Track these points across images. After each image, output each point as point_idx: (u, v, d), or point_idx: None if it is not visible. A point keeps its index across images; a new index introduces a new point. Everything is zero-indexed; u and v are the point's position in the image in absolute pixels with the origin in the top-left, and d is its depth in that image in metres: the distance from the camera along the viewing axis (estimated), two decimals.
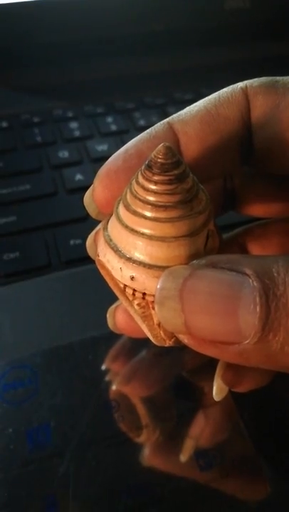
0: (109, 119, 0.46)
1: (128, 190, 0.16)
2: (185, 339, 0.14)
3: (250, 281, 0.13)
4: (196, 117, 0.18)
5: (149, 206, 0.15)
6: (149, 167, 0.15)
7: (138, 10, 0.51)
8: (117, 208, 0.17)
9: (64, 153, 0.42)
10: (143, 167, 0.16)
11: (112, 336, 0.27)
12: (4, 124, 0.45)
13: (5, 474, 0.22)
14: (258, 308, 0.12)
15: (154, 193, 0.15)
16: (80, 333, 0.27)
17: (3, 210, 0.36)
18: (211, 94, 0.19)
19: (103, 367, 0.26)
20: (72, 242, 0.33)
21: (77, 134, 0.44)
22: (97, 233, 0.19)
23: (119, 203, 0.17)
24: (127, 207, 0.16)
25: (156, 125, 0.19)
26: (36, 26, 0.49)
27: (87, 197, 0.19)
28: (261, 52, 0.56)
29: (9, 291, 0.30)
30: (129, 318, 0.21)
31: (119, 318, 0.23)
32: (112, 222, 0.17)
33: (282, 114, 0.18)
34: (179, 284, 0.14)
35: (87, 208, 0.19)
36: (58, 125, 0.45)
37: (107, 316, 0.24)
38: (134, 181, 0.16)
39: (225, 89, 0.19)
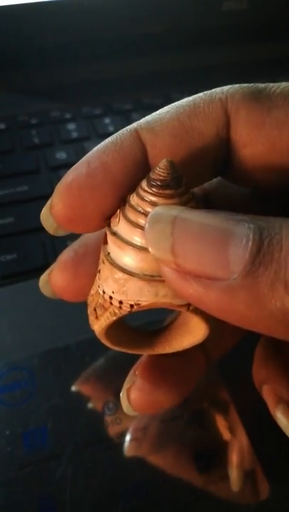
0: (107, 120, 0.46)
1: (133, 213, 0.15)
2: (169, 272, 0.14)
3: (246, 223, 0.13)
4: (168, 129, 0.17)
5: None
6: (154, 184, 0.15)
7: (136, 11, 0.51)
8: (125, 239, 0.15)
9: (61, 155, 0.42)
10: (145, 184, 0.15)
11: None
12: (2, 126, 0.45)
13: (2, 476, 0.22)
14: (250, 243, 0.12)
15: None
16: (77, 335, 0.27)
17: (0, 211, 0.36)
18: (184, 99, 0.17)
19: (100, 369, 0.26)
20: (68, 243, 0.33)
21: (74, 135, 0.44)
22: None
23: (119, 238, 0.15)
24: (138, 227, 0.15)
25: (121, 132, 0.17)
26: (34, 28, 0.49)
27: (43, 214, 0.17)
28: (259, 54, 0.56)
29: (6, 293, 0.30)
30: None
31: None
32: (134, 256, 0.15)
33: (268, 132, 0.16)
34: (174, 212, 0.13)
35: (43, 225, 0.18)
36: (55, 126, 0.45)
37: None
38: (137, 201, 0.15)
39: (201, 96, 0.17)
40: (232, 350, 0.22)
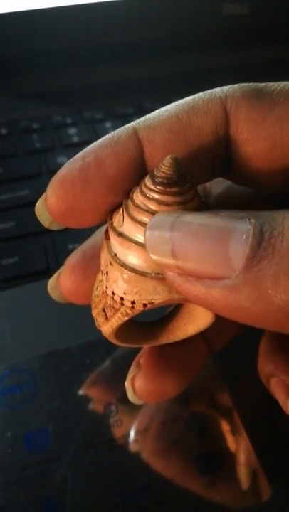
0: (108, 125, 0.46)
1: (138, 213, 0.15)
2: (171, 275, 0.14)
3: (248, 218, 0.12)
4: (165, 125, 0.16)
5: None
6: (159, 182, 0.15)
7: (137, 16, 0.51)
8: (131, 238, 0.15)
9: (63, 159, 0.42)
10: (150, 182, 0.15)
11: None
12: (4, 131, 0.45)
13: (3, 478, 0.22)
14: (250, 238, 0.12)
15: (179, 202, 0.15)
16: (77, 338, 0.28)
17: (2, 215, 0.36)
18: (184, 98, 0.17)
19: (101, 371, 0.26)
20: (70, 246, 0.33)
21: (75, 139, 0.44)
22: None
23: (120, 234, 0.15)
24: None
25: (119, 129, 0.17)
26: (34, 33, 0.49)
27: (38, 206, 0.17)
28: (260, 57, 0.56)
29: (8, 296, 0.31)
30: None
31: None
32: (137, 256, 0.15)
33: (269, 129, 0.16)
34: (172, 216, 0.13)
35: (38, 217, 0.18)
36: (56, 131, 0.45)
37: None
38: (142, 200, 0.15)
39: (201, 95, 0.17)
40: (233, 350, 0.23)
